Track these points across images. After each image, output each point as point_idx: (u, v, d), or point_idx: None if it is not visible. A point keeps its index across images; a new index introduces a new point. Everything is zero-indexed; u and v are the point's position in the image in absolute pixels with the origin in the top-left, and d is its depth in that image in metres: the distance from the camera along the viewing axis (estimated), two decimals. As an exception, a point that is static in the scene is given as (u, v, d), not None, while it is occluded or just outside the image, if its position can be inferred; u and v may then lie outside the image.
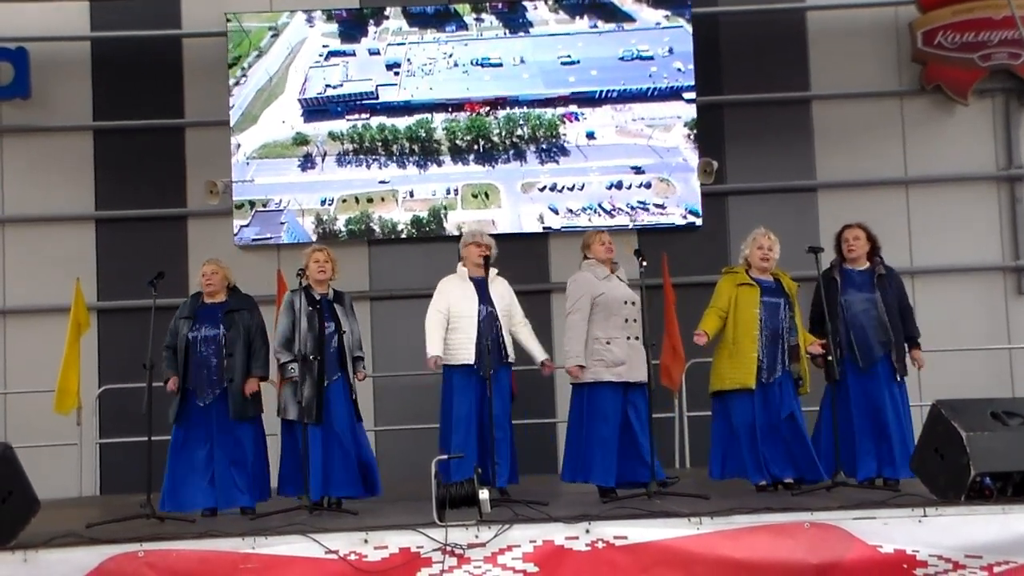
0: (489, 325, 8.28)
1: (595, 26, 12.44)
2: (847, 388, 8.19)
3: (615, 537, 6.38)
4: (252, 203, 12.12)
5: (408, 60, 12.31)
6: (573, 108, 12.33)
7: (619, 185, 12.24)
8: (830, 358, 7.94)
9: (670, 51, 12.37)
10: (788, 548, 6.35)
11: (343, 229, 12.11)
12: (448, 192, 12.18)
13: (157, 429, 8.04)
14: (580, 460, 8.07)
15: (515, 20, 12.42)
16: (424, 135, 12.19)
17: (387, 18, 12.36)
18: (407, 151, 12.18)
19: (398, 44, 12.34)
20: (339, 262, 8.51)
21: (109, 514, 7.84)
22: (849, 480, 7.84)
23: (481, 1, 12.42)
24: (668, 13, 12.43)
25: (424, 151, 12.19)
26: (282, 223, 12.15)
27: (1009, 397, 10.43)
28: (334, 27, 12.36)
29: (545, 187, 12.25)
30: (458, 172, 12.23)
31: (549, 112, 12.30)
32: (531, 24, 12.43)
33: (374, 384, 11.67)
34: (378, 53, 12.33)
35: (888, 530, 6.38)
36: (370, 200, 12.13)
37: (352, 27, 12.36)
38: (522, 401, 8.84)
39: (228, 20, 12.27)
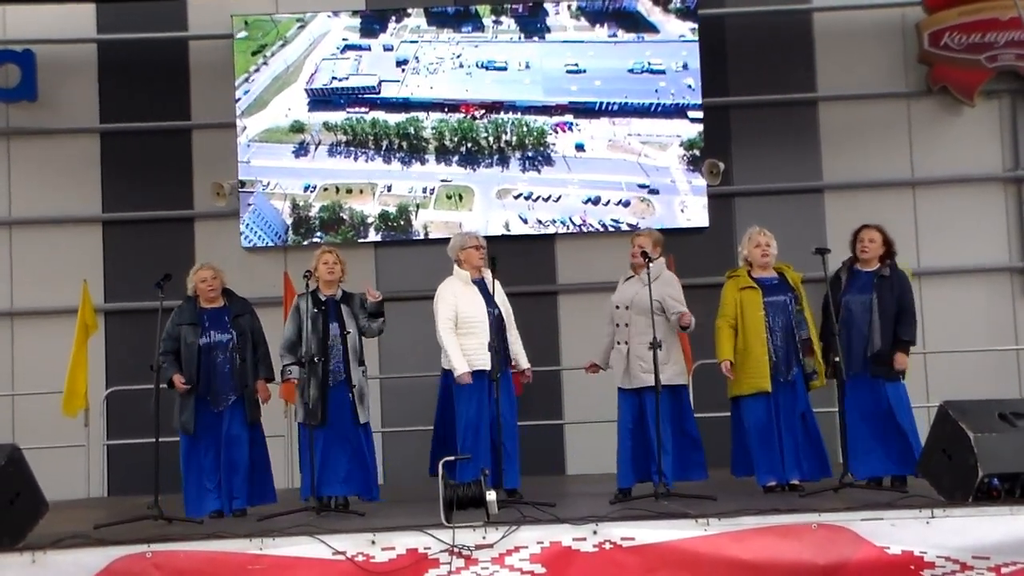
0: (498, 328, 8.27)
1: (614, 35, 12.36)
2: (845, 389, 8.18)
3: (622, 538, 6.39)
4: (243, 183, 12.17)
5: (416, 58, 12.34)
6: (568, 118, 12.27)
7: (596, 200, 12.19)
8: (836, 359, 7.95)
9: (684, 66, 12.28)
10: (795, 549, 6.35)
11: (315, 216, 12.16)
12: (424, 191, 12.19)
13: (165, 431, 8.06)
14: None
15: (533, 24, 12.38)
16: (413, 133, 12.23)
17: (408, 16, 12.39)
18: (395, 147, 12.21)
19: (411, 42, 12.36)
20: (347, 263, 8.54)
21: (117, 515, 7.86)
22: (856, 481, 7.83)
23: (503, 3, 12.40)
24: (695, 26, 12.37)
25: (411, 148, 12.22)
26: (249, 204, 12.19)
27: (1017, 398, 10.40)
28: (356, 22, 12.41)
29: (520, 195, 12.21)
30: (439, 172, 12.24)
31: (540, 120, 12.25)
32: (548, 29, 12.40)
33: (380, 385, 11.68)
34: (391, 49, 12.37)
35: (896, 531, 6.38)
36: (349, 191, 12.20)
37: (373, 23, 12.41)
38: (530, 403, 8.84)
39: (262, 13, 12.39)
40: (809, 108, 12.53)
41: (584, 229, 12.16)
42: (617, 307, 8.18)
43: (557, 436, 11.80)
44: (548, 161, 12.23)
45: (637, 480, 8.09)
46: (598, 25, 12.41)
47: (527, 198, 12.19)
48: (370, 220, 12.18)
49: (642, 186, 12.21)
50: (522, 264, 11.57)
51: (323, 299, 8.27)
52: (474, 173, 12.24)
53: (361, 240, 12.18)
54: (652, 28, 12.39)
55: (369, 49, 12.36)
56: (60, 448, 10.90)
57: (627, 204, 12.19)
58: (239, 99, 12.26)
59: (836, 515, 6.48)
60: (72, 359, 10.80)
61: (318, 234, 12.08)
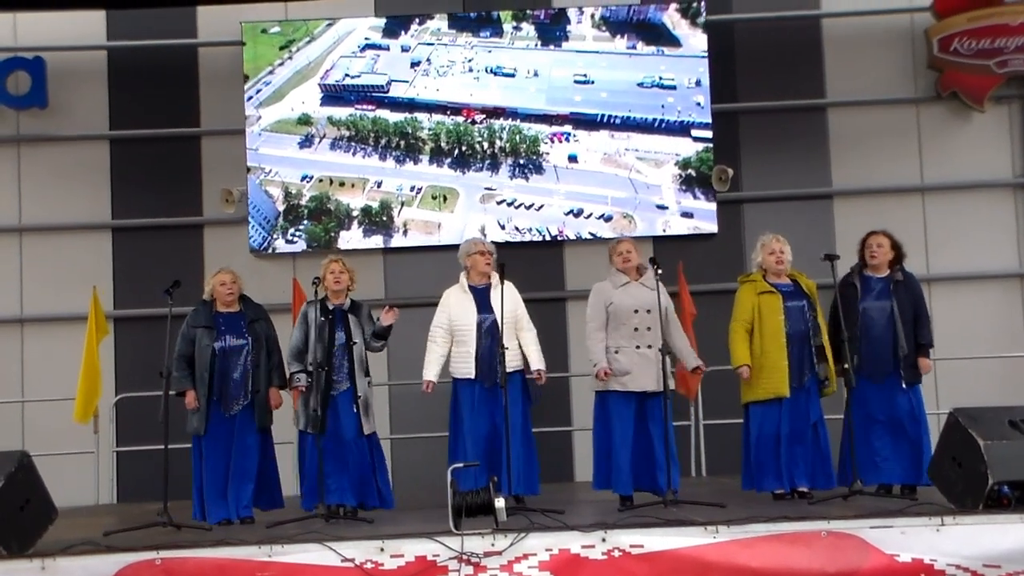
0: (491, 335, 8.26)
1: (633, 47, 12.31)
2: (863, 395, 8.17)
3: (631, 546, 6.39)
4: (248, 168, 12.25)
5: (428, 60, 12.38)
6: (567, 128, 12.24)
7: (578, 213, 12.17)
8: (846, 365, 7.95)
9: (697, 83, 12.23)
10: (805, 557, 6.34)
11: (304, 205, 12.24)
12: (412, 189, 12.24)
13: (174, 437, 8.08)
14: (600, 468, 8.12)
15: (552, 33, 12.38)
16: (411, 132, 12.29)
17: (432, 19, 12.45)
18: (392, 145, 12.27)
19: (428, 44, 12.41)
20: (355, 272, 8.56)
21: (126, 522, 7.88)
22: (866, 488, 7.82)
23: (525, 10, 12.41)
24: None
25: (408, 148, 12.27)
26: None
27: (1027, 405, 10.38)
28: (381, 22, 12.47)
29: (503, 201, 12.22)
30: (430, 172, 12.27)
31: (536, 128, 12.23)
32: (566, 38, 12.38)
33: (389, 392, 11.69)
34: (408, 50, 12.42)
35: (905, 539, 6.37)
36: (341, 184, 12.28)
37: (397, 24, 12.46)
38: (538, 409, 8.83)
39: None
40: (818, 114, 12.51)
41: (559, 239, 12.17)
42: (637, 311, 8.11)
43: (566, 443, 11.79)
44: (538, 170, 12.23)
45: (636, 488, 8.05)
46: (618, 36, 12.37)
47: (510, 204, 12.21)
48: (354, 213, 12.25)
49: (628, 202, 12.17)
50: (531, 271, 11.56)
51: (331, 308, 8.27)
52: (463, 176, 12.26)
53: (344, 231, 12.25)
54: (674, 42, 12.33)
55: (388, 49, 12.44)
56: (69, 455, 10.93)
57: (609, 219, 12.14)
58: (260, 90, 12.35)
59: (846, 523, 6.47)
60: (84, 366, 10.80)
61: (304, 222, 12.19)
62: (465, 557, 6.31)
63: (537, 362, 8.42)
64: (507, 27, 12.42)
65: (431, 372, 8.38)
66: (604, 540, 6.39)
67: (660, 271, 8.08)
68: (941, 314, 11.42)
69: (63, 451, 10.77)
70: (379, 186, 12.27)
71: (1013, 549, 6.33)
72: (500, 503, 6.57)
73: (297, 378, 8.25)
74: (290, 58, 12.40)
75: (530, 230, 12.17)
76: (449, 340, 8.44)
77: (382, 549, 6.35)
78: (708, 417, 11.09)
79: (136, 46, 12.51)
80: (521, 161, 12.23)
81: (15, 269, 12.29)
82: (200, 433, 8.21)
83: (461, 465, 7.45)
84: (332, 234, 12.20)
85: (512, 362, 8.20)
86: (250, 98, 12.33)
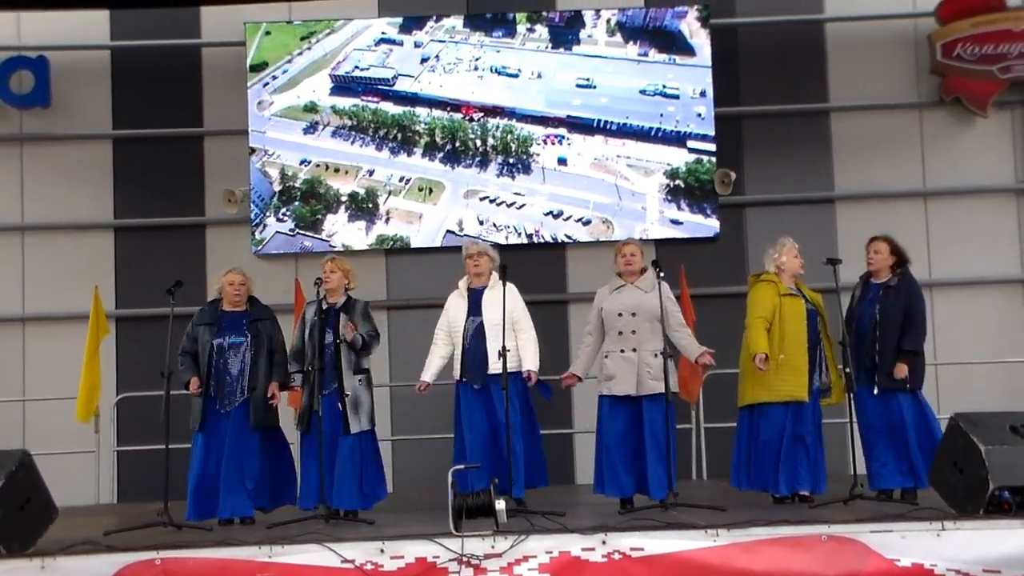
0: (476, 336, 8.34)
1: (645, 54, 12.28)
2: (861, 401, 8.19)
3: (631, 548, 6.40)
4: (253, 150, 12.33)
5: (437, 57, 12.42)
6: (561, 131, 12.24)
7: (557, 214, 12.18)
8: (848, 369, 7.96)
9: (702, 93, 12.20)
10: (805, 561, 6.35)
11: (298, 187, 12.31)
12: (401, 179, 12.29)
13: (175, 437, 8.09)
14: (598, 472, 8.18)
15: (564, 36, 12.38)
16: (408, 125, 12.35)
17: (448, 17, 12.49)
18: (390, 137, 12.35)
19: (440, 41, 12.45)
20: (356, 271, 8.59)
21: (126, 522, 7.88)
22: (866, 492, 7.82)
23: (540, 12, 12.44)
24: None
25: (404, 140, 12.33)
26: None
27: (1028, 410, 10.37)
28: (399, 19, 12.53)
29: (486, 198, 12.24)
30: (421, 165, 12.31)
31: (529, 129, 12.23)
32: (578, 42, 12.37)
33: (391, 393, 11.68)
34: (420, 46, 12.47)
35: (906, 544, 6.37)
36: (336, 170, 12.36)
37: (413, 21, 12.51)
38: (539, 412, 8.83)
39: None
40: (821, 118, 12.50)
41: (535, 240, 12.16)
42: (620, 314, 8.13)
43: (566, 445, 11.79)
44: (526, 170, 12.23)
45: (636, 490, 8.06)
46: (631, 42, 12.34)
47: (492, 201, 12.23)
48: (343, 199, 12.31)
49: (609, 207, 12.14)
50: (533, 273, 11.56)
51: (325, 307, 8.30)
52: (452, 171, 12.29)
53: (331, 215, 12.29)
54: (688, 50, 12.28)
55: (401, 45, 12.49)
56: (70, 454, 10.93)
57: (587, 223, 12.12)
58: (276, 76, 12.43)
59: (846, 527, 6.48)
60: (85, 365, 10.82)
61: (295, 203, 12.26)
62: (465, 559, 6.31)
63: (529, 363, 8.45)
64: (521, 28, 12.43)
65: (428, 374, 8.56)
66: (604, 543, 6.40)
67: (663, 274, 8.10)
68: (942, 319, 11.44)
69: (64, 450, 10.76)
70: (371, 174, 12.35)
71: (1013, 554, 6.33)
72: (501, 505, 6.57)
73: (293, 378, 8.38)
74: (309, 48, 12.49)
75: (507, 227, 12.18)
76: (450, 342, 8.57)
77: (382, 550, 6.36)
78: (709, 420, 11.08)
79: (140, 46, 12.52)
80: (511, 160, 12.24)
81: (17, 268, 12.30)
82: (195, 428, 8.27)
83: (462, 467, 7.46)
84: (319, 216, 12.29)
85: (511, 363, 8.20)
86: (266, 84, 12.41)
